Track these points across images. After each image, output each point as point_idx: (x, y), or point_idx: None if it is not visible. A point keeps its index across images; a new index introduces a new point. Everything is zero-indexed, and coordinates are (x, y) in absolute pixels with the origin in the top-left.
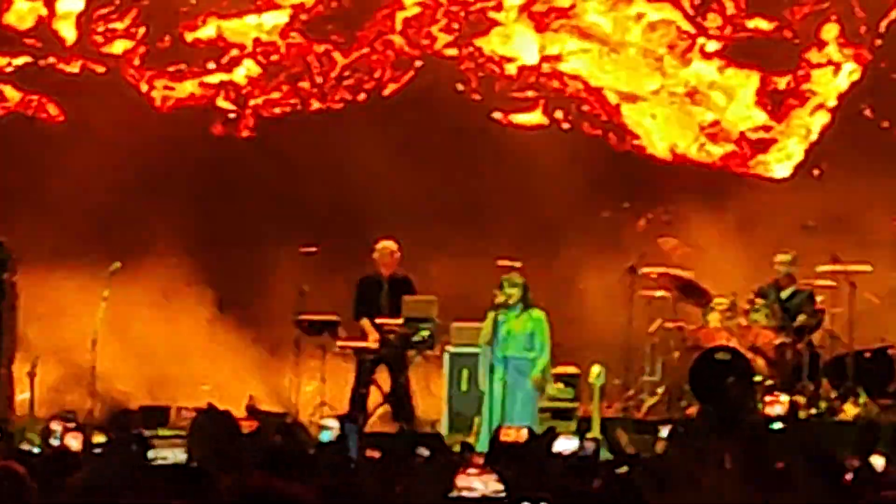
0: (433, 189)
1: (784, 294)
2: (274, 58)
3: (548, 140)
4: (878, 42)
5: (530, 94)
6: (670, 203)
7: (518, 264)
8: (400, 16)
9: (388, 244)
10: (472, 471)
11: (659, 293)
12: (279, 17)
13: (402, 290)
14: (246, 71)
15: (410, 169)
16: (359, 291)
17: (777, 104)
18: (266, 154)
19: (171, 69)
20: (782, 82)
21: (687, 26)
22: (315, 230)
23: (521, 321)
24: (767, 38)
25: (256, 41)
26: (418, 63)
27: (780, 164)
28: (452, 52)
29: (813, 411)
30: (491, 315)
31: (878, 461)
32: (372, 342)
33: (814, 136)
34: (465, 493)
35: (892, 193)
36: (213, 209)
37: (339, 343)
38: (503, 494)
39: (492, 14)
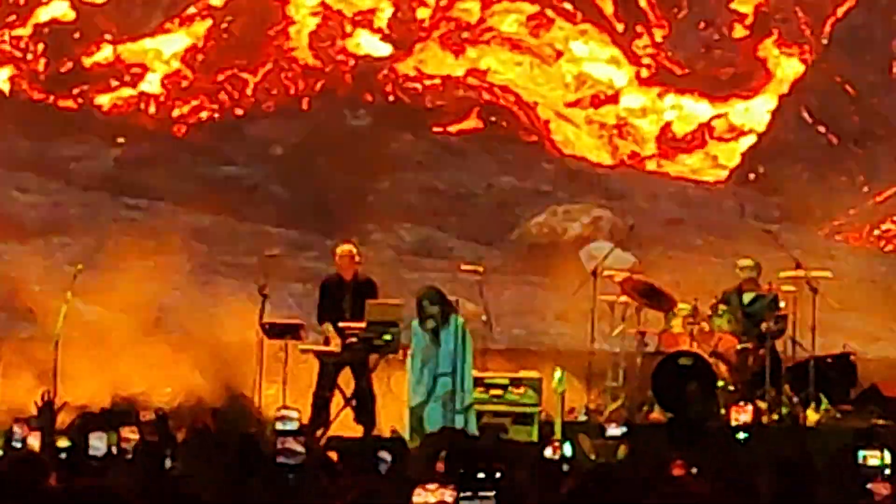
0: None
1: (746, 299)
2: (184, 82)
3: (484, 146)
4: (824, 42)
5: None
6: (612, 208)
7: (480, 269)
8: (294, 31)
9: (348, 248)
10: (430, 486)
11: (622, 298)
12: (177, 43)
13: (365, 294)
14: (157, 87)
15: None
16: (321, 294)
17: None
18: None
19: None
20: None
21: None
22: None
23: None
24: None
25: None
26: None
27: (716, 167)
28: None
29: (775, 417)
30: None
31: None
32: (335, 346)
33: (752, 139)
34: None
35: (829, 197)
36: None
37: (302, 346)
38: None
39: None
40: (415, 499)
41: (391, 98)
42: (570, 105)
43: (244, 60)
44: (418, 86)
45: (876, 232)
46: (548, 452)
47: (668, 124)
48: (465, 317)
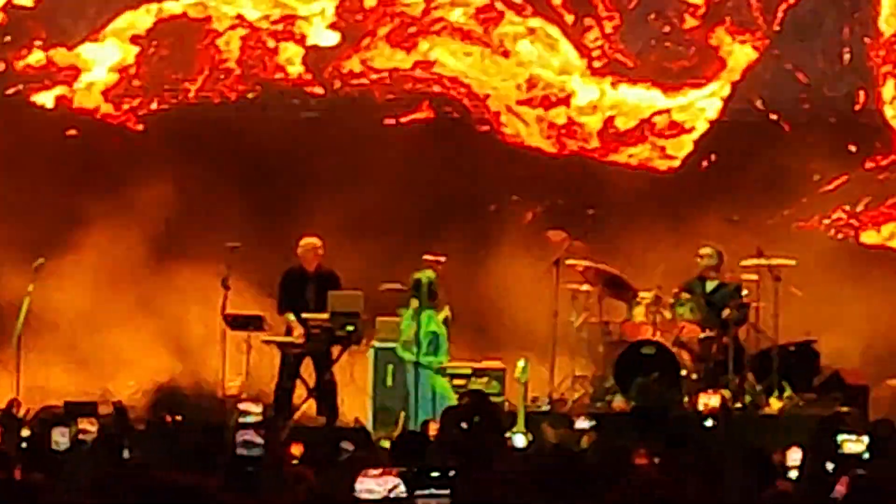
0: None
1: (708, 287)
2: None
3: (434, 137)
4: (776, 28)
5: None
6: (559, 197)
7: (442, 259)
8: (223, 42)
9: (312, 241)
10: (372, 472)
11: (584, 287)
12: (111, 54)
13: (327, 285)
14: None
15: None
16: (283, 285)
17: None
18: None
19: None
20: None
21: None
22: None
23: (428, 319)
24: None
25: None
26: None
27: (668, 155)
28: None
29: (738, 405)
30: (407, 313)
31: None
32: (297, 337)
33: (704, 127)
34: (364, 496)
35: (780, 185)
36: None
37: (264, 338)
38: (404, 495)
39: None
40: (358, 485)
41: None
42: (521, 103)
43: (179, 74)
44: (365, 80)
45: (826, 221)
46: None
47: (611, 119)
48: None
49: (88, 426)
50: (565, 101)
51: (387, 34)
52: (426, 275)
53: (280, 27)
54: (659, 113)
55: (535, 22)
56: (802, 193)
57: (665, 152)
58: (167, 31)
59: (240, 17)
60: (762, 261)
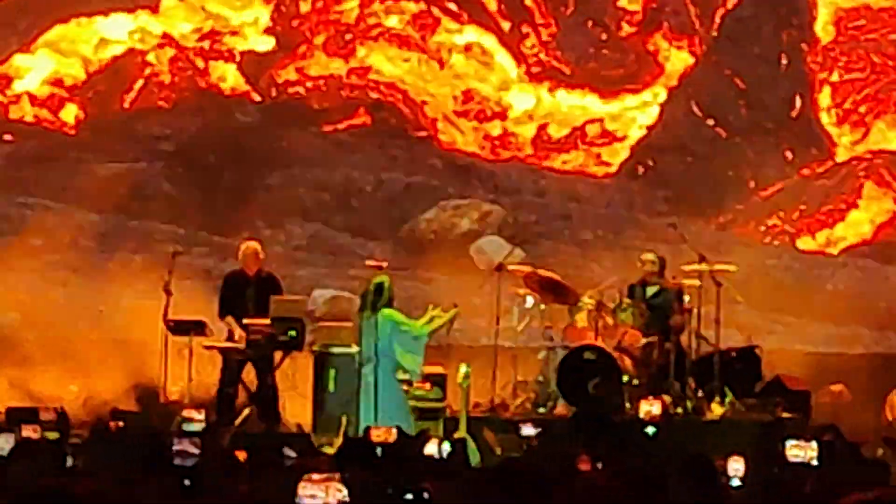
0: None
1: (649, 292)
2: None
3: (372, 142)
4: (713, 34)
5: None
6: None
7: (384, 264)
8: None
9: (252, 244)
10: (315, 477)
11: (524, 291)
12: (44, 64)
13: (268, 289)
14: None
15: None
16: (224, 289)
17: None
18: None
19: None
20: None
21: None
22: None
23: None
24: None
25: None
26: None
27: (603, 161)
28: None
29: (679, 411)
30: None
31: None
32: (239, 341)
33: (640, 133)
34: (306, 501)
35: (716, 191)
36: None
37: (206, 343)
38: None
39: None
40: (300, 490)
41: (276, 99)
42: (458, 114)
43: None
44: (301, 89)
45: (762, 227)
46: (429, 449)
47: (545, 126)
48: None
49: (31, 433)
50: (501, 114)
51: (323, 42)
52: (376, 279)
53: (207, 44)
54: (592, 121)
55: (472, 34)
56: (738, 200)
57: (600, 158)
58: (100, 46)
59: (167, 35)
60: (704, 266)
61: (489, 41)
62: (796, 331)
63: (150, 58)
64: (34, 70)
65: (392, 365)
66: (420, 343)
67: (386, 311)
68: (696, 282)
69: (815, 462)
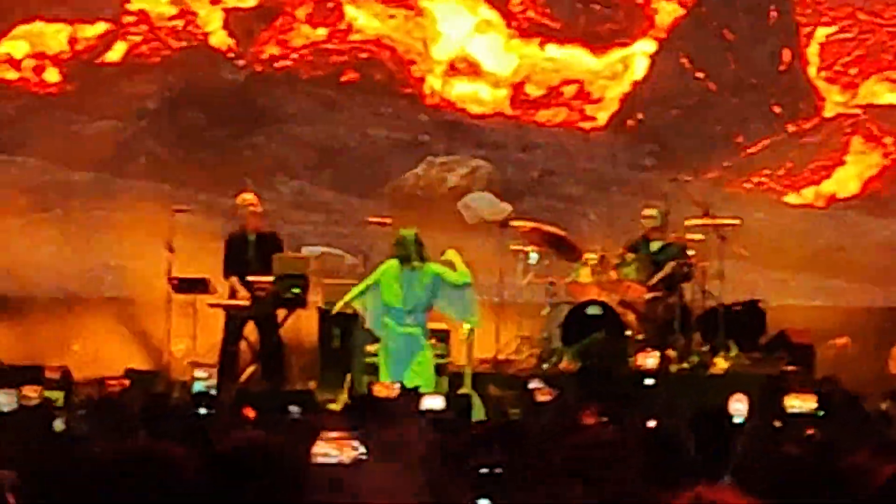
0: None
1: (653, 247)
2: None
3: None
4: None
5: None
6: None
7: (388, 221)
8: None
9: (248, 197)
10: (330, 435)
11: (529, 248)
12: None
13: (269, 247)
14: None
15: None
16: (226, 249)
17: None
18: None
19: None
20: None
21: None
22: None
23: (415, 273)
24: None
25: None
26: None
27: (591, 116)
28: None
29: (684, 365)
30: (389, 266)
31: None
32: (242, 300)
33: (629, 87)
34: (320, 460)
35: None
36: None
37: (209, 301)
38: (363, 458)
39: None
40: (314, 449)
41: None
42: (445, 72)
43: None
44: (287, 63)
45: (748, 185)
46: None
47: (531, 82)
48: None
49: (31, 393)
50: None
51: (306, 15)
52: (409, 232)
53: (180, 24)
54: (580, 76)
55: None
56: (726, 156)
57: (587, 113)
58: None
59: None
60: (707, 220)
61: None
62: (791, 286)
63: (130, 19)
64: (15, 48)
65: (425, 319)
66: (464, 292)
67: (430, 263)
68: (700, 236)
69: (814, 414)
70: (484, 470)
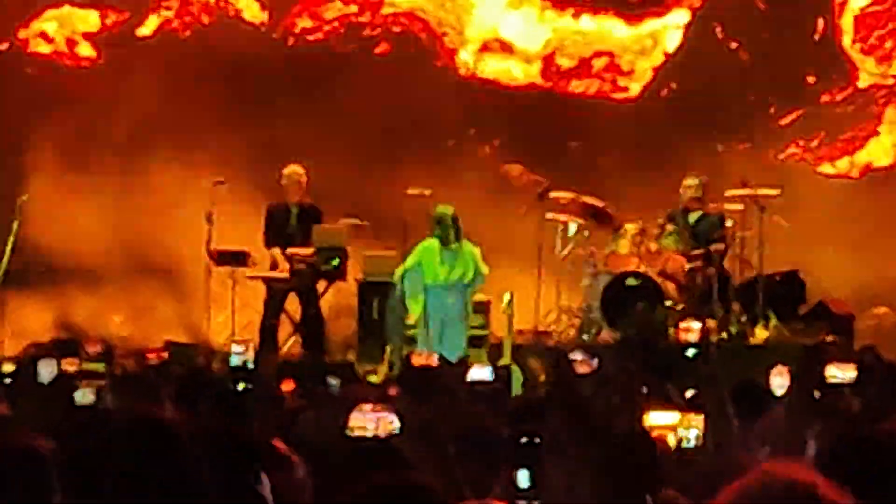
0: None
1: (692, 218)
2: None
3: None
4: None
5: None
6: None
7: (428, 192)
8: None
9: (296, 168)
10: (366, 407)
11: (568, 219)
12: None
13: (310, 219)
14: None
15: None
16: (267, 220)
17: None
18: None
19: None
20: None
21: None
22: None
23: (455, 252)
24: None
25: None
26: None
27: (626, 86)
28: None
29: (724, 336)
30: (430, 245)
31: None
32: (282, 272)
33: (662, 57)
34: (357, 433)
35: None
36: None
37: (249, 273)
38: (397, 432)
39: None
40: (351, 422)
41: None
42: (478, 53)
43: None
44: (320, 35)
45: (780, 156)
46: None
47: (564, 53)
48: None
49: (69, 367)
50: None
51: None
52: (448, 210)
53: None
54: (614, 47)
55: None
56: (759, 127)
57: (622, 84)
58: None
59: None
60: (746, 191)
61: None
62: (829, 256)
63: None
64: (47, 26)
65: (467, 294)
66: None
67: (466, 242)
68: (739, 206)
69: (854, 384)
70: (524, 440)
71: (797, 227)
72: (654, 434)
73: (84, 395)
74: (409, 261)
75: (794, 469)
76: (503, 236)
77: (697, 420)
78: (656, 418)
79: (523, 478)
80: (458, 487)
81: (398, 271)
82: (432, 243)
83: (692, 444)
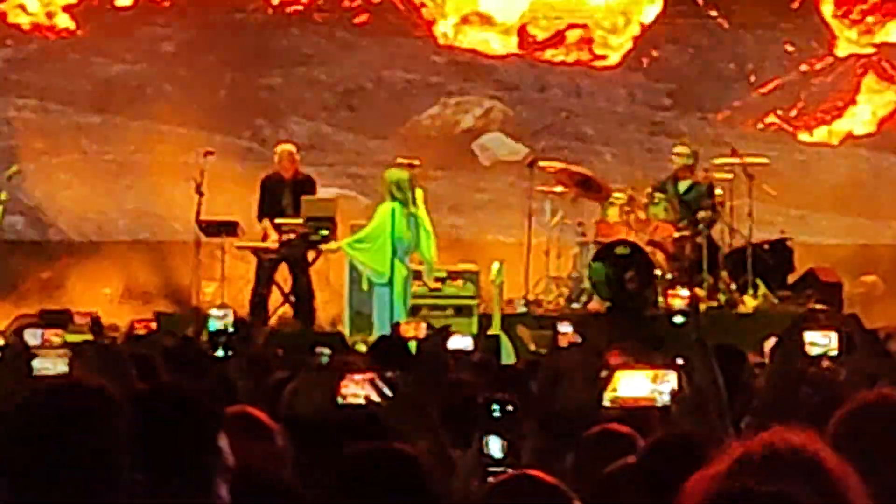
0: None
1: (682, 187)
2: None
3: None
4: None
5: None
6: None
7: (416, 162)
8: None
9: (287, 147)
10: (357, 377)
11: (558, 188)
12: None
13: (304, 190)
14: None
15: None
16: (261, 192)
17: None
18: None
19: None
20: None
21: None
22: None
23: (414, 215)
24: None
25: None
26: None
27: (605, 55)
28: None
29: (713, 304)
30: (393, 209)
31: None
32: (271, 242)
33: (644, 24)
34: (350, 400)
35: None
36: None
37: (238, 244)
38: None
39: None
40: (342, 390)
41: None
42: (457, 26)
43: None
44: (299, 7)
45: (759, 125)
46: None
47: (543, 21)
48: None
49: (53, 337)
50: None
51: None
52: (404, 174)
53: None
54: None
55: None
56: (738, 96)
57: (601, 53)
58: None
59: None
60: (735, 159)
61: None
62: (813, 224)
63: None
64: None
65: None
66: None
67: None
68: (729, 175)
69: (834, 353)
70: (495, 407)
71: (778, 196)
72: (629, 404)
73: (43, 363)
74: (381, 226)
75: (798, 436)
76: (492, 207)
77: (670, 375)
78: (626, 385)
79: (495, 446)
80: (442, 455)
81: (360, 235)
82: (395, 206)
83: (666, 398)
